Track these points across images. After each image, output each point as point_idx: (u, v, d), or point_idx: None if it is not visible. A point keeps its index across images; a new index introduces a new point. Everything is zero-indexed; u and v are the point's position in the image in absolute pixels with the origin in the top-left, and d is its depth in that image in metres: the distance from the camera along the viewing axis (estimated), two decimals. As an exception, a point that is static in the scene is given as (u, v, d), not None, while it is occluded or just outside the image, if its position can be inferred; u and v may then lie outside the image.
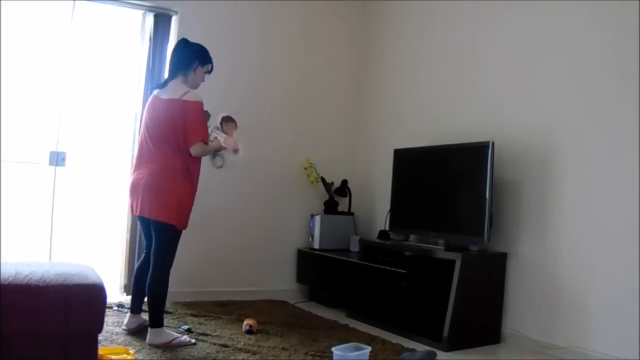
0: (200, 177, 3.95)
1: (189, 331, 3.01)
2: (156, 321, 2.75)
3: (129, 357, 2.42)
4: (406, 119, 4.23)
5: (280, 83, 4.34)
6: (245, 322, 3.14)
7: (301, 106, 4.43)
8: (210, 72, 3.02)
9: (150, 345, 2.71)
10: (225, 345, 2.79)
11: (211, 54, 4.04)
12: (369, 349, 2.60)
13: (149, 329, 2.77)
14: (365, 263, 3.71)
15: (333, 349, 2.57)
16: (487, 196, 3.18)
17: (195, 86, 2.91)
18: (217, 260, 4.06)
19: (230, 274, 4.10)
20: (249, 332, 3.07)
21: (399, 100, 4.32)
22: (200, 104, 2.78)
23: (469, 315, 3.17)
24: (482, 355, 3.04)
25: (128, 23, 3.93)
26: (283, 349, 2.81)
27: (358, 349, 2.61)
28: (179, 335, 2.83)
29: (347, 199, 4.45)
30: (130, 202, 2.90)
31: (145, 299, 2.85)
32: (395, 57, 4.40)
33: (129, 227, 3.78)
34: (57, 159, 3.66)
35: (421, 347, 2.99)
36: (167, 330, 2.82)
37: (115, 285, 3.78)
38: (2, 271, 1.96)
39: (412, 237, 3.89)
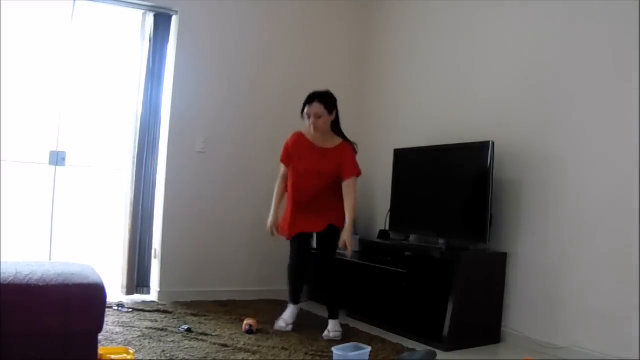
0: (200, 179, 4.00)
1: (189, 331, 3.01)
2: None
3: (129, 357, 2.42)
4: (406, 119, 4.23)
5: (279, 82, 4.34)
6: (245, 322, 3.14)
7: (301, 106, 4.42)
8: (302, 114, 3.30)
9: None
10: (225, 345, 2.79)
11: (211, 54, 4.09)
12: (369, 348, 2.60)
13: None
14: (365, 263, 3.71)
15: (333, 348, 2.58)
16: (487, 196, 3.18)
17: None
18: (217, 260, 4.06)
19: (230, 274, 4.10)
20: (249, 332, 3.07)
21: (399, 100, 4.32)
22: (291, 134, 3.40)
23: (469, 315, 3.17)
24: (482, 355, 3.04)
25: (128, 23, 3.93)
26: (283, 348, 2.81)
27: (358, 348, 2.61)
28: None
29: (347, 199, 4.43)
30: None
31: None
32: (395, 57, 4.40)
33: (129, 227, 3.78)
34: (57, 158, 3.66)
35: (421, 347, 2.99)
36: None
37: (116, 284, 3.78)
38: (2, 271, 1.96)
39: (412, 237, 3.89)
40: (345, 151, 3.28)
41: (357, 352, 2.57)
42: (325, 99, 3.24)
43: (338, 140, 3.32)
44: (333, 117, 3.28)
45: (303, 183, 3.28)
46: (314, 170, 3.25)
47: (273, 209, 3.39)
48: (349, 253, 3.18)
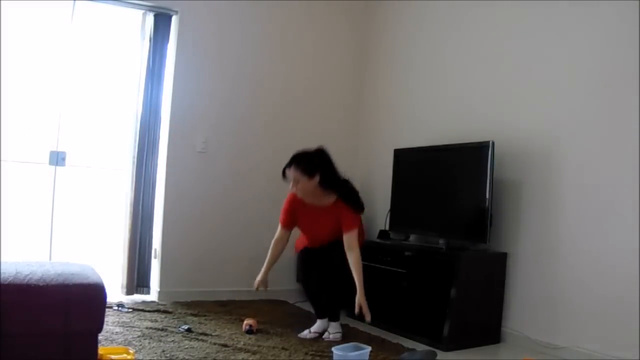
0: (200, 179, 4.00)
1: (189, 331, 3.00)
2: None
3: (128, 357, 2.42)
4: (406, 119, 4.23)
5: (280, 83, 4.34)
6: (245, 322, 3.14)
7: (301, 106, 4.43)
8: (283, 176, 3.15)
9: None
10: (225, 345, 2.79)
11: (211, 54, 4.09)
12: (369, 349, 2.61)
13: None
14: (365, 263, 3.70)
15: (333, 348, 2.58)
16: (487, 196, 3.18)
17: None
18: (217, 260, 4.06)
19: (231, 274, 4.10)
20: (249, 332, 3.07)
21: (399, 100, 4.32)
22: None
23: (469, 315, 3.17)
24: (482, 355, 3.04)
25: (128, 23, 3.93)
26: (283, 348, 2.81)
27: (358, 348, 2.61)
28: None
29: (347, 199, 4.43)
30: None
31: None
32: (395, 57, 4.40)
33: (129, 227, 3.78)
34: (57, 158, 3.66)
35: (421, 347, 2.99)
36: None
37: (116, 284, 3.78)
38: (2, 271, 1.96)
39: (412, 237, 3.89)
40: (341, 208, 3.12)
41: (357, 352, 2.57)
42: (302, 163, 3.05)
43: (332, 198, 3.13)
44: (316, 179, 3.04)
45: (312, 237, 3.27)
46: (318, 228, 3.21)
47: (264, 268, 3.28)
48: (367, 317, 2.94)
